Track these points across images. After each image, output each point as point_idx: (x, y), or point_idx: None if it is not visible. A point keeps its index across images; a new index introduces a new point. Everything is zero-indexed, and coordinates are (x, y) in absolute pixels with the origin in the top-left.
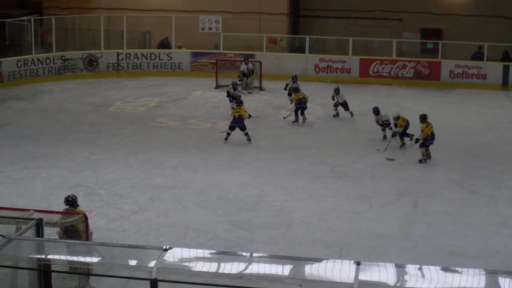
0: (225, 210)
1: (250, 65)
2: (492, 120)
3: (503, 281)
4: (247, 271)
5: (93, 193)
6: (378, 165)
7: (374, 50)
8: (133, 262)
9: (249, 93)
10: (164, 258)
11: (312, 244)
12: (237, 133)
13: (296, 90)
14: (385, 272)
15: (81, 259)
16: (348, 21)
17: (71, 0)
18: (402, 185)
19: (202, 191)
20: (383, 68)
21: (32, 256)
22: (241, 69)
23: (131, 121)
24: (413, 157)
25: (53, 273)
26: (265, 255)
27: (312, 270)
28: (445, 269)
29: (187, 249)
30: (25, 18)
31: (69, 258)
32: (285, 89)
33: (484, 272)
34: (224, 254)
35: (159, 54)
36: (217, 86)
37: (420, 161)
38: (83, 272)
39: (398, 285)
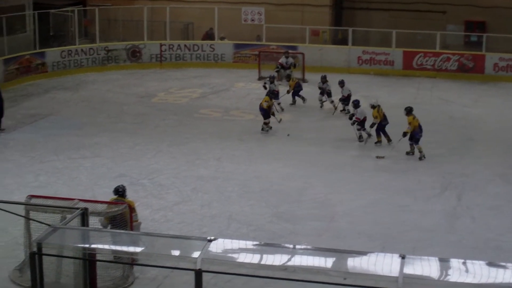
0: (268, 202)
1: (290, 59)
2: None
3: None
4: (291, 263)
5: (137, 183)
6: None
7: (418, 42)
8: (177, 253)
9: (280, 84)
10: (209, 249)
11: (355, 237)
12: (283, 125)
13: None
14: (430, 266)
15: (125, 248)
16: (392, 13)
17: None
18: (446, 179)
19: (245, 183)
20: (426, 61)
21: (77, 245)
22: (279, 61)
23: (174, 112)
24: (456, 151)
25: (97, 262)
26: (309, 247)
27: (356, 263)
28: (490, 264)
29: (231, 240)
30: (69, 8)
31: (114, 247)
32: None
33: None
34: (268, 246)
35: (202, 45)
36: (260, 78)
37: (420, 158)
38: (127, 261)
39: (442, 279)
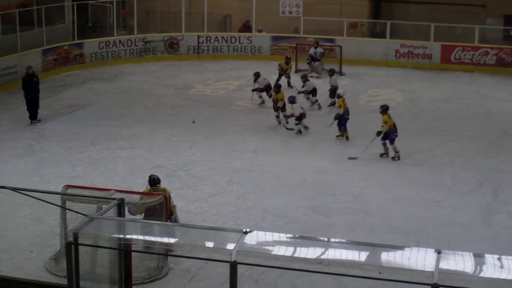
0: (303, 195)
1: (319, 49)
2: None
3: None
4: (325, 256)
5: (173, 174)
6: (458, 152)
7: (456, 36)
8: (211, 244)
9: (317, 77)
10: (244, 241)
11: (389, 231)
12: (316, 119)
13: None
14: (465, 262)
15: (160, 239)
16: (430, 7)
17: None
18: (482, 174)
19: (280, 175)
20: (465, 55)
21: (113, 235)
22: (309, 52)
23: (211, 103)
24: (493, 146)
25: (132, 253)
26: (344, 240)
27: (391, 257)
28: None
29: (266, 233)
30: (107, 0)
31: (149, 238)
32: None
33: None
34: (302, 239)
35: (239, 37)
36: (297, 70)
37: (393, 158)
38: (162, 252)
39: (477, 275)
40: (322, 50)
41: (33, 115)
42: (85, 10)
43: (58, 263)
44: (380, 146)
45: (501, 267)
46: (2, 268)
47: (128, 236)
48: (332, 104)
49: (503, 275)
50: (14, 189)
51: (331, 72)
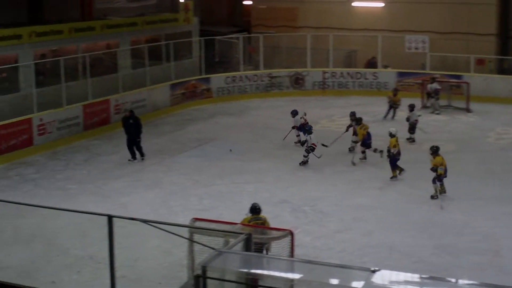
0: (430, 234)
1: (435, 84)
2: None
3: None
4: None
5: (299, 209)
6: None
7: None
8: (337, 281)
9: (436, 114)
10: (372, 279)
11: None
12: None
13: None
14: None
15: (286, 275)
16: None
17: (279, 18)
18: None
19: (407, 213)
20: None
21: (240, 270)
22: (427, 89)
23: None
24: None
25: None
26: (472, 282)
27: None
28: None
29: (393, 272)
30: (234, 36)
31: (274, 273)
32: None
33: None
34: (430, 279)
35: (365, 73)
36: (423, 107)
37: (432, 197)
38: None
39: None
40: (437, 87)
41: (132, 154)
42: (213, 46)
43: None
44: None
45: None
46: None
47: (254, 271)
48: (412, 140)
49: None
50: (144, 221)
51: (411, 108)
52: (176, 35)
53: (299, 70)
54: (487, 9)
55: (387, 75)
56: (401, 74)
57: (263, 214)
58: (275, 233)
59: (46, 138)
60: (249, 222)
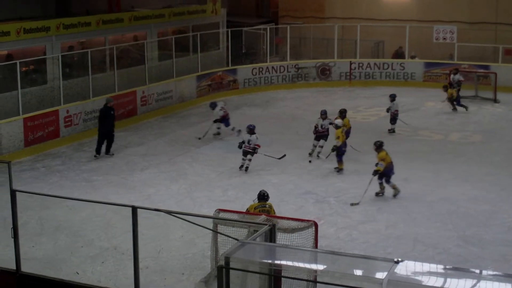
0: (455, 225)
1: (457, 76)
2: None
3: None
4: None
5: (323, 201)
6: None
7: None
8: (361, 272)
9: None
10: (395, 270)
11: None
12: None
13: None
14: None
15: (310, 266)
16: None
17: (306, 9)
18: None
19: (432, 204)
20: None
21: (263, 260)
22: (450, 79)
23: (363, 130)
24: None
25: (282, 279)
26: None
27: None
28: None
29: (417, 263)
30: (261, 27)
31: (298, 264)
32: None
33: None
34: (454, 270)
35: (392, 63)
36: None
37: (395, 196)
38: (311, 279)
39: None
40: (461, 78)
41: (108, 149)
42: (239, 37)
43: (208, 286)
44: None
45: None
46: None
47: (278, 262)
48: (393, 130)
49: None
50: (168, 212)
51: (392, 98)
52: (203, 27)
53: (326, 61)
54: None
55: (415, 66)
56: (428, 65)
57: (291, 202)
58: (299, 224)
59: (73, 129)
60: (255, 208)
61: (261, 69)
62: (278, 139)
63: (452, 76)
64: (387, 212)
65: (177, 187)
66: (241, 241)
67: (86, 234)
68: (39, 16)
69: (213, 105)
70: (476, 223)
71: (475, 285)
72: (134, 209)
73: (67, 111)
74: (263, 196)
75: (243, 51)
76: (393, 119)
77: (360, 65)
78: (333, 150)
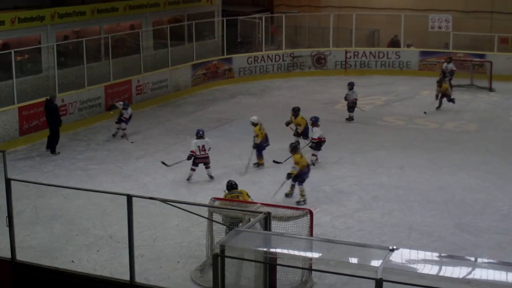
0: (451, 213)
1: (451, 64)
2: None
3: None
4: (472, 277)
5: (318, 189)
6: None
7: None
8: (356, 260)
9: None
10: (390, 258)
11: None
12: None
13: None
14: None
15: (305, 254)
16: None
17: None
18: None
19: (428, 193)
20: None
21: (258, 248)
22: (442, 67)
23: (358, 119)
24: None
25: (277, 267)
26: (492, 261)
27: None
28: None
29: (412, 250)
30: (256, 15)
31: (293, 252)
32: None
33: None
34: (450, 258)
35: (387, 52)
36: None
37: (298, 203)
38: (306, 267)
39: None
40: (453, 68)
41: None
42: (235, 26)
43: (203, 274)
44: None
45: None
46: (150, 277)
47: (273, 250)
48: (351, 118)
49: None
50: (163, 201)
51: (351, 86)
52: (199, 15)
53: (321, 49)
54: None
55: (410, 54)
56: (424, 53)
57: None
58: (294, 213)
59: (68, 119)
60: (226, 197)
61: (256, 58)
62: (274, 128)
63: (445, 65)
64: (382, 200)
65: (173, 176)
66: (236, 229)
67: (81, 223)
68: (35, 5)
69: (125, 105)
70: (471, 212)
71: (470, 272)
72: (129, 198)
73: (62, 100)
74: (231, 186)
75: (239, 40)
76: (352, 107)
77: (356, 54)
78: (254, 147)
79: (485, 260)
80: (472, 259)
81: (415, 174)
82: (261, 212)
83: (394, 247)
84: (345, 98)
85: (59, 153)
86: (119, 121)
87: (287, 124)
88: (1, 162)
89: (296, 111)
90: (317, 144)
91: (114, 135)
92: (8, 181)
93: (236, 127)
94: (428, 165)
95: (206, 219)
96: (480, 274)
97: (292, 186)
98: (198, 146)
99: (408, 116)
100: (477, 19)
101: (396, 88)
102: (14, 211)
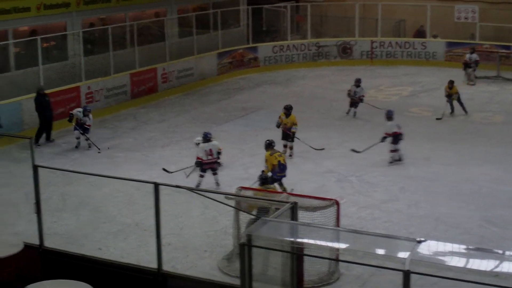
0: (478, 205)
1: (474, 55)
2: None
3: None
4: (500, 269)
5: (344, 180)
6: None
7: None
8: (384, 252)
9: (471, 84)
10: (417, 250)
11: None
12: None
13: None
14: None
15: (332, 244)
16: None
17: None
18: None
19: (455, 184)
20: None
21: (285, 238)
22: (465, 58)
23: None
24: None
25: (304, 257)
26: None
27: None
28: None
29: (439, 242)
30: (282, 4)
31: (321, 243)
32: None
33: None
34: (477, 250)
35: (413, 43)
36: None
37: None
38: (333, 257)
39: None
40: (477, 58)
41: (48, 136)
42: (260, 14)
43: (230, 263)
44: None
45: None
46: (177, 266)
47: (300, 240)
48: (354, 114)
49: None
50: (190, 189)
51: (358, 82)
52: (224, 4)
53: (347, 39)
54: None
55: (436, 45)
56: (450, 44)
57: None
58: (320, 203)
59: (94, 106)
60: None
61: (281, 47)
62: (299, 118)
63: (468, 55)
64: (409, 191)
65: None
66: (263, 219)
67: (108, 210)
68: None
69: (87, 110)
70: (498, 204)
71: (498, 265)
72: (156, 186)
73: (89, 88)
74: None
75: (264, 29)
76: (357, 103)
77: (382, 44)
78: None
79: None
80: (500, 251)
81: (442, 166)
82: (287, 202)
83: (422, 239)
84: (349, 94)
85: (53, 140)
86: (84, 130)
87: (278, 126)
88: (28, 149)
89: (288, 109)
90: (395, 139)
91: (77, 147)
92: (35, 168)
93: (261, 116)
94: (454, 157)
95: (233, 208)
96: (509, 267)
97: (280, 185)
98: (205, 151)
99: (434, 107)
100: (503, 10)
101: (422, 78)
102: (42, 198)
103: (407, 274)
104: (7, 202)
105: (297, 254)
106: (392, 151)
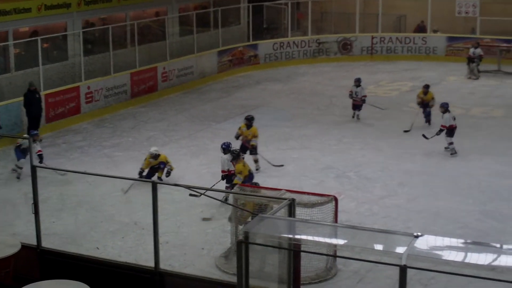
0: (476, 199)
1: (478, 49)
2: None
3: None
4: (497, 263)
5: (343, 175)
6: None
7: None
8: (381, 247)
9: (474, 79)
10: (414, 244)
11: None
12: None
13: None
14: None
15: (330, 240)
16: None
17: None
18: None
19: (454, 179)
20: None
21: (283, 235)
22: (469, 53)
23: (384, 105)
24: None
25: (302, 253)
26: None
27: None
28: None
29: (437, 237)
30: (282, 1)
31: (318, 239)
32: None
33: None
34: (475, 244)
35: (414, 38)
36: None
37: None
38: (331, 253)
39: None
40: (481, 53)
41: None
42: (261, 12)
43: (228, 261)
44: None
45: None
46: (174, 264)
47: (297, 236)
48: (358, 118)
49: None
50: (188, 187)
51: (358, 82)
52: (224, 2)
53: (347, 35)
54: None
55: (437, 40)
56: (451, 39)
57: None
58: (319, 199)
59: (94, 106)
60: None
61: (282, 44)
62: (299, 114)
63: (472, 50)
64: (408, 186)
65: (198, 162)
66: (260, 216)
67: (106, 209)
68: None
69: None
70: (497, 198)
71: (495, 259)
72: (154, 184)
73: (88, 87)
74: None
75: (264, 26)
76: (360, 105)
77: (382, 39)
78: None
79: (511, 247)
80: (498, 245)
81: (441, 160)
82: (285, 199)
83: (419, 233)
84: (351, 96)
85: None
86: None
87: (238, 137)
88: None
89: (250, 120)
90: (450, 131)
91: (18, 178)
92: (33, 168)
93: (261, 114)
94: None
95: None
96: (506, 260)
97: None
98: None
99: (434, 102)
100: (504, 4)
101: (422, 73)
102: (40, 198)
103: (403, 269)
104: (7, 202)
105: (294, 250)
106: (450, 143)
